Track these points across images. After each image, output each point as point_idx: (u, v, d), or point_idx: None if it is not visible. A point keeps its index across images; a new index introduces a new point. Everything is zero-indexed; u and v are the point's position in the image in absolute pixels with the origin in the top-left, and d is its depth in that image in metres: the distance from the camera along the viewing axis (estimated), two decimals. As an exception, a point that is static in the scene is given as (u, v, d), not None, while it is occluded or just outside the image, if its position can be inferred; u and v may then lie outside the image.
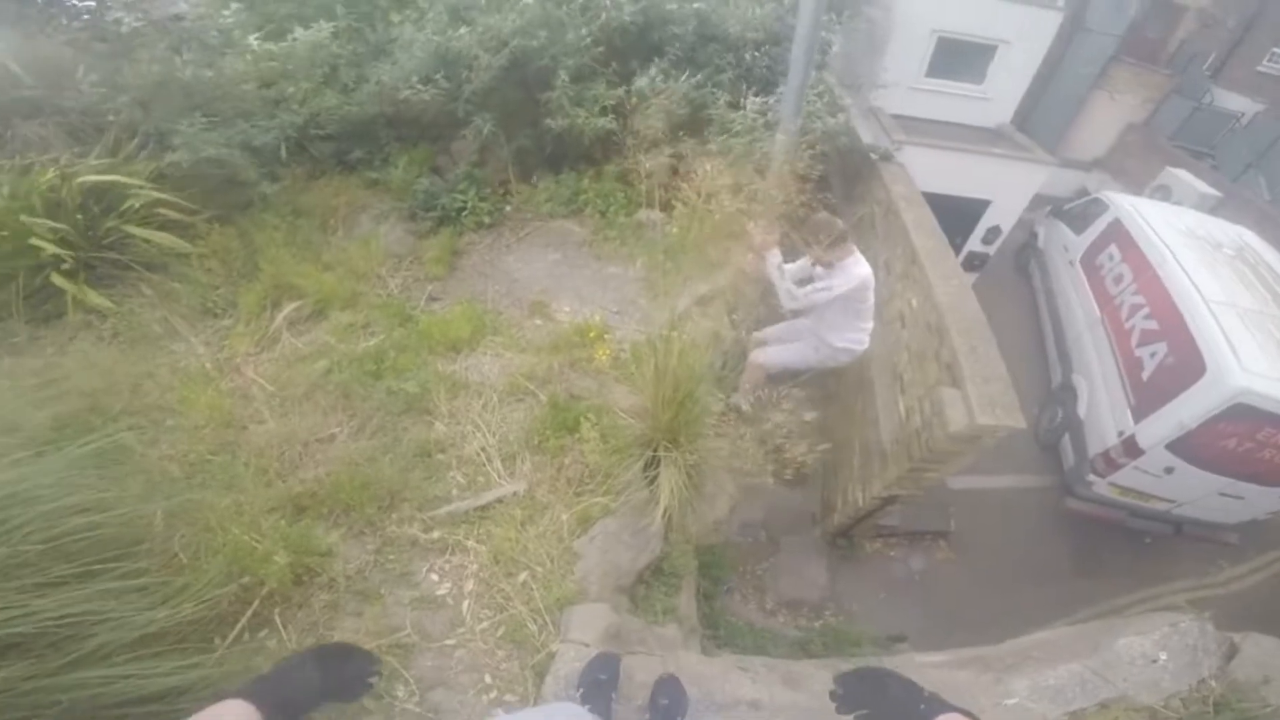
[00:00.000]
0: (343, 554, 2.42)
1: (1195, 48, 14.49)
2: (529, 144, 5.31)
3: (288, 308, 3.72)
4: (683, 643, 2.75)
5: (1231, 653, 2.43)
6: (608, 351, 3.73)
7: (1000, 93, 8.07)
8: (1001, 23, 7.39)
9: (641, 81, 5.10)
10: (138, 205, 3.69)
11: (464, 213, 5.05)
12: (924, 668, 2.70)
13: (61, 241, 3.41)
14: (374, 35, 5.43)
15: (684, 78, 5.19)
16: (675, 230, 3.83)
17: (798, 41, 3.17)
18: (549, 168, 5.49)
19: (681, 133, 4.88)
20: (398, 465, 2.81)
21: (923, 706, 1.00)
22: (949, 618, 5.53)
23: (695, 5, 5.44)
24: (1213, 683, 2.30)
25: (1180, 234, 7.09)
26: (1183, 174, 11.46)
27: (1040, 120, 13.74)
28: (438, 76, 4.82)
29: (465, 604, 2.39)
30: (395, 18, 5.33)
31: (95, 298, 3.46)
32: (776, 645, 4.35)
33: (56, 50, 4.11)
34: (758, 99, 5.10)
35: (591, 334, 3.88)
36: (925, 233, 5.31)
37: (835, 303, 3.36)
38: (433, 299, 4.39)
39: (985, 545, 6.30)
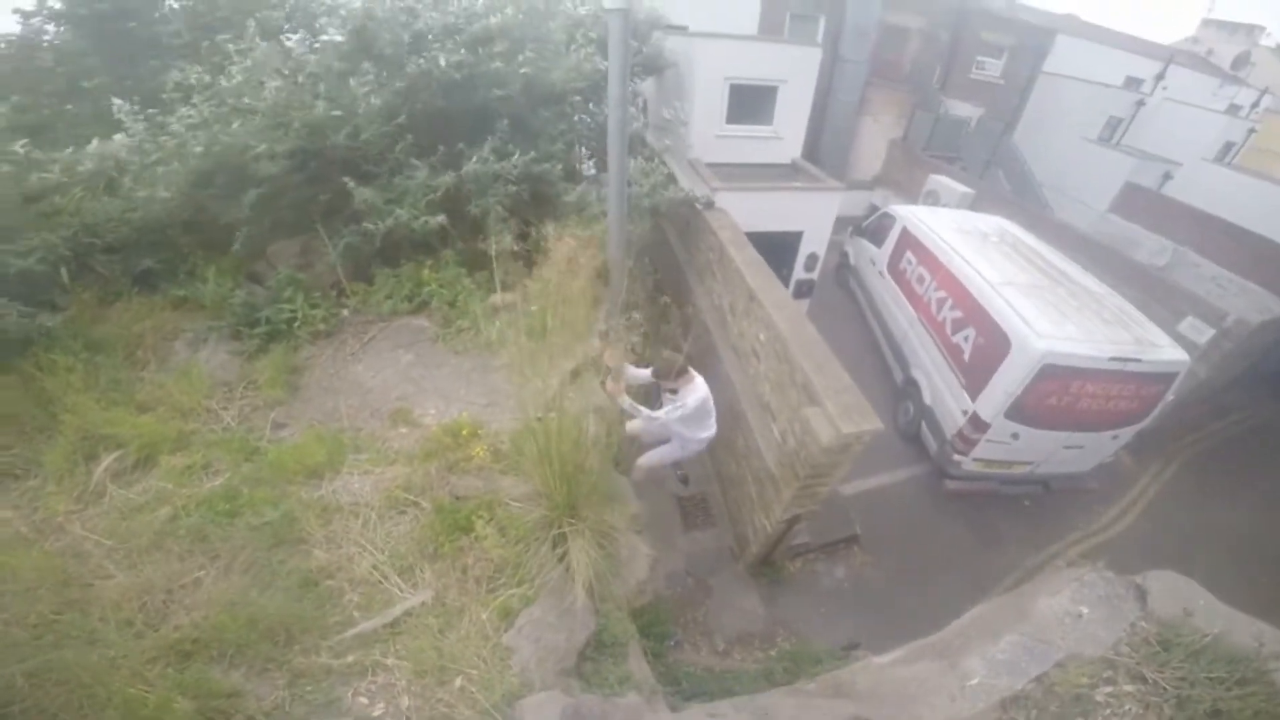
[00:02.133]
0: (253, 692, 2.28)
1: (923, 64, 17.63)
2: (355, 241, 5.14)
3: (106, 460, 3.34)
4: (647, 706, 2.77)
5: (1142, 594, 2.76)
6: (484, 447, 3.73)
7: (788, 130, 9.36)
8: (776, 64, 8.68)
9: (473, 164, 5.14)
10: None
11: (295, 323, 4.77)
12: (883, 669, 2.92)
13: None
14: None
15: (518, 157, 5.29)
16: (534, 310, 3.94)
17: (611, 131, 3.37)
18: (384, 262, 5.36)
19: (527, 211, 5.02)
20: (283, 598, 2.67)
21: None
22: (887, 614, 5.97)
23: (522, 71, 5.54)
24: (1143, 624, 2.61)
25: (954, 231, 8.64)
26: (943, 179, 13.90)
27: (825, 150, 15.95)
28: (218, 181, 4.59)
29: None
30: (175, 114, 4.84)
31: None
32: (741, 683, 4.40)
33: None
34: (592, 161, 5.34)
35: (464, 432, 3.84)
36: (755, 271, 5.93)
37: (691, 415, 4.17)
38: (279, 425, 4.09)
39: (894, 540, 6.90)
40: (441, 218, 4.98)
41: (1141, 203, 13.96)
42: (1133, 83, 18.18)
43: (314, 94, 4.83)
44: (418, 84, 5.13)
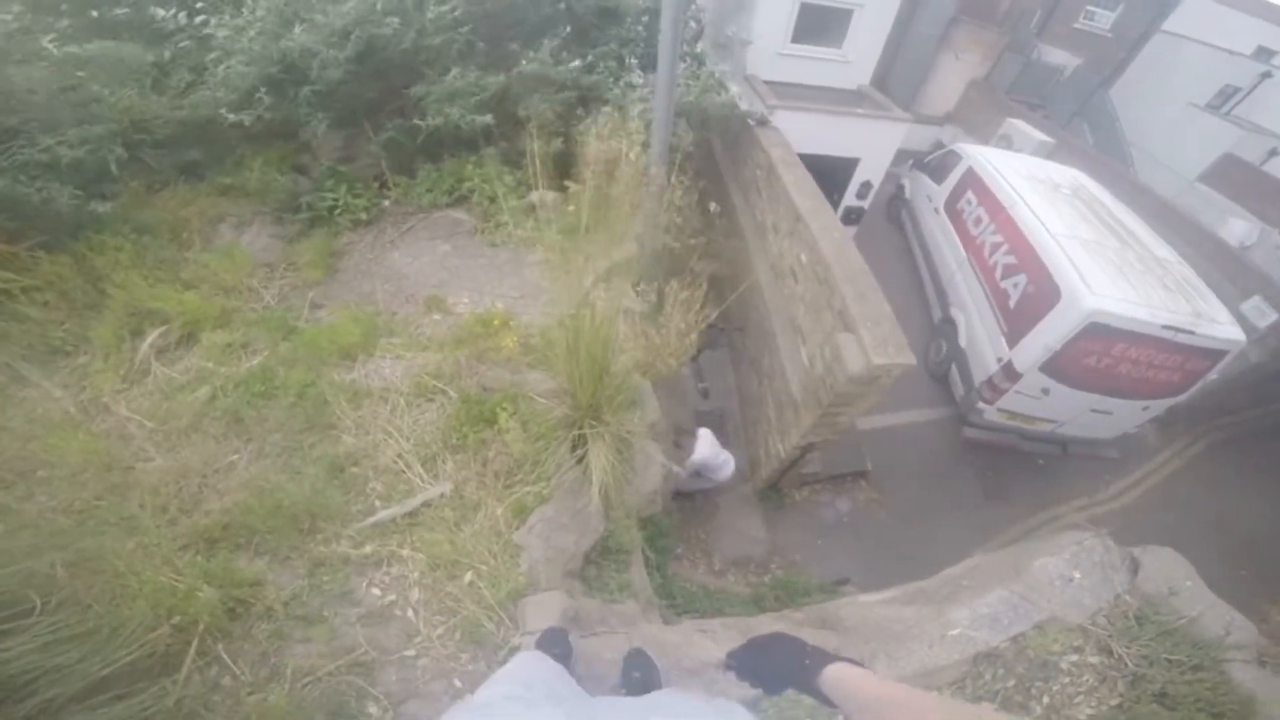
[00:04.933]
0: (273, 581, 2.32)
1: (1023, 6, 16.26)
2: (398, 135, 5.04)
3: (151, 335, 3.39)
4: (642, 616, 2.82)
5: (1135, 567, 2.75)
6: (515, 339, 3.69)
7: (859, 55, 8.71)
8: (854, -13, 7.96)
9: (530, 66, 4.96)
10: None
11: (336, 211, 4.77)
12: (871, 606, 2.95)
13: None
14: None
15: (575, 63, 5.13)
16: (572, 209, 3.90)
17: (664, 22, 3.24)
18: (427, 157, 5.26)
19: (575, 117, 4.92)
20: (309, 484, 2.70)
21: (807, 662, 1.03)
22: (884, 554, 6.03)
23: None
24: (1128, 597, 2.60)
25: (1024, 178, 8.08)
26: (1021, 124, 12.96)
27: (896, 80, 14.97)
28: (261, 93, 4.47)
29: (415, 613, 2.38)
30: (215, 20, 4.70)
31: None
32: (732, 605, 4.55)
33: None
34: (644, 73, 5.19)
35: (495, 323, 3.81)
36: (804, 192, 5.68)
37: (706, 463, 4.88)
38: (316, 306, 4.13)
39: (903, 481, 6.89)
40: (488, 117, 4.83)
41: (1237, 176, 12.78)
42: (1264, 53, 16.49)
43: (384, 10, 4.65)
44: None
